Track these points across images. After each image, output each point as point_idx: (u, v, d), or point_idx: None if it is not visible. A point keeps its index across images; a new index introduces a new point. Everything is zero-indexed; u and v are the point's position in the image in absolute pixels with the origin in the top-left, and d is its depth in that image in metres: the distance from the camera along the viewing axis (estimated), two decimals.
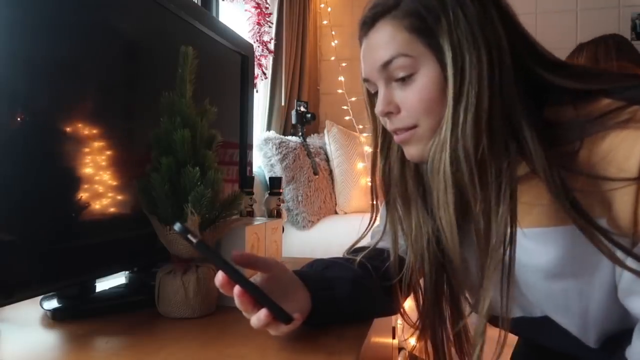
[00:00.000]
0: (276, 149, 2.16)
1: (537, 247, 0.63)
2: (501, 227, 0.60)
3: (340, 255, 0.79)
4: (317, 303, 0.66)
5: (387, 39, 0.64)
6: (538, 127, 0.60)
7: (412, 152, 0.68)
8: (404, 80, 0.64)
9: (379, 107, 0.67)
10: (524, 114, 0.60)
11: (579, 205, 0.57)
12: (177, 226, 0.55)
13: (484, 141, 0.59)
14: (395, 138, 0.69)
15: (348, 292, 0.69)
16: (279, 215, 1.24)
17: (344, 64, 3.18)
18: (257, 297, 0.58)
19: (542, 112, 0.63)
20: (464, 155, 0.60)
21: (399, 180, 0.74)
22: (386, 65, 0.64)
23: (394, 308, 0.79)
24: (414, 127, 0.65)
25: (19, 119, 0.64)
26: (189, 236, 0.56)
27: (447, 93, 0.61)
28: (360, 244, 0.81)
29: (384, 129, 0.72)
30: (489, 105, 0.59)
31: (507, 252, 0.61)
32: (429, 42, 0.61)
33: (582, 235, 0.57)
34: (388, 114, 0.67)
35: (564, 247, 0.61)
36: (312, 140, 2.61)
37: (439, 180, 0.63)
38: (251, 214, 1.15)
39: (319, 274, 0.72)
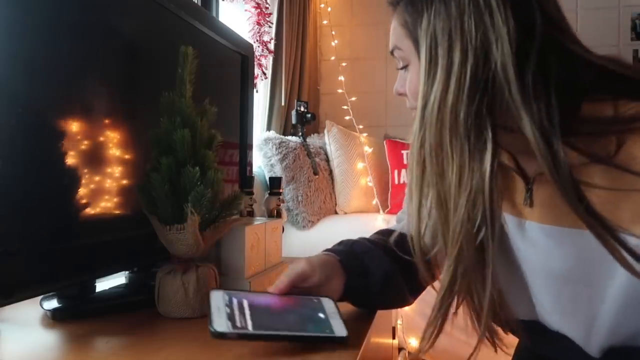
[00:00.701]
0: (276, 149, 2.16)
1: (554, 246, 0.63)
2: (459, 220, 0.60)
3: None
4: (348, 290, 0.75)
5: (392, 30, 0.68)
6: (546, 124, 0.56)
7: None
8: (404, 68, 0.68)
9: (394, 88, 0.72)
10: (527, 107, 0.56)
11: (592, 210, 0.55)
12: (213, 334, 0.60)
13: (446, 133, 0.59)
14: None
15: (379, 287, 0.76)
16: (279, 215, 1.24)
17: (344, 64, 3.18)
18: (308, 339, 0.64)
19: (578, 107, 0.59)
20: (428, 144, 0.61)
21: None
22: (392, 53, 0.69)
23: (410, 303, 0.84)
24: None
25: (18, 118, 0.64)
26: (228, 335, 0.61)
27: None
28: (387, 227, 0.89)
29: None
30: (455, 98, 0.58)
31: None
32: (413, 39, 0.64)
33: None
34: (401, 95, 0.71)
35: (580, 251, 0.60)
36: (312, 140, 2.61)
37: (411, 172, 0.65)
38: (251, 214, 1.15)
39: (358, 259, 0.77)
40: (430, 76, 0.60)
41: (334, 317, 0.68)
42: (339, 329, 0.65)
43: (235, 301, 0.66)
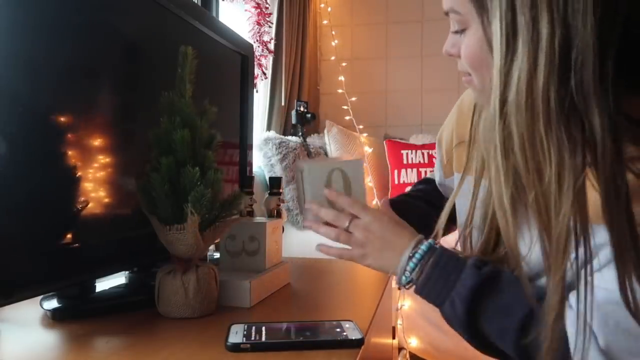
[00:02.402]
0: (276, 149, 2.17)
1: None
2: (564, 228, 0.51)
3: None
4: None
5: None
6: (613, 117, 0.50)
7: (475, 97, 0.69)
8: (460, 31, 0.61)
9: (444, 47, 0.65)
10: (600, 94, 0.49)
11: (633, 220, 0.50)
12: (227, 347, 0.63)
13: (540, 122, 0.51)
14: (463, 78, 0.66)
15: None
16: (279, 215, 1.24)
17: (344, 64, 3.18)
18: (313, 345, 0.64)
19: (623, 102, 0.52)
20: (517, 137, 0.52)
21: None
22: (446, 14, 0.62)
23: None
24: (470, 75, 0.63)
25: (18, 118, 0.64)
26: (242, 346, 0.62)
27: (489, 61, 0.54)
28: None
29: None
30: (545, 81, 0.50)
31: (578, 263, 0.51)
32: (476, 1, 0.56)
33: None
34: (451, 55, 0.64)
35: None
36: (312, 140, 2.61)
37: (492, 160, 0.57)
38: (251, 214, 1.15)
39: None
40: (510, 51, 0.52)
41: (350, 329, 0.68)
42: (354, 334, 0.66)
43: (253, 327, 0.69)
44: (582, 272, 0.52)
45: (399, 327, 1.93)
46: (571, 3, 0.49)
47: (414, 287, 0.67)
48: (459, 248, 0.72)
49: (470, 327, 0.62)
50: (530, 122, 0.51)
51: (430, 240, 0.67)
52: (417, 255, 0.65)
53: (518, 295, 0.59)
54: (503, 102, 0.53)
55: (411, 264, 0.66)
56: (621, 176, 0.50)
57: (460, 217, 0.74)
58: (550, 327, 0.53)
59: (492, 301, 0.61)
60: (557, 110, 0.50)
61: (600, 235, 0.53)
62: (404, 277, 0.66)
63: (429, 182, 0.96)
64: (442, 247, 0.67)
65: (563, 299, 0.53)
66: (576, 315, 0.52)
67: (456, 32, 0.62)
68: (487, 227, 0.65)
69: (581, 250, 0.51)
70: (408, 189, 0.98)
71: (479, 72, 0.60)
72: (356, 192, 0.71)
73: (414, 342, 1.95)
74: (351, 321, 0.71)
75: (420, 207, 0.89)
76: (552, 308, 0.53)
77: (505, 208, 0.57)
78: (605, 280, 0.53)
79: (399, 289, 0.67)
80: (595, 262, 0.54)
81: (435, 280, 0.64)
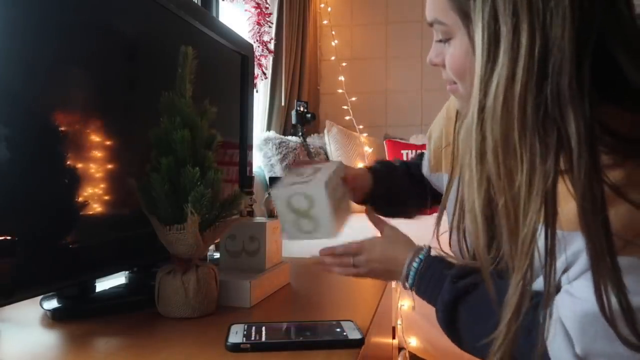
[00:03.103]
0: (276, 149, 2.17)
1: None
2: (529, 232, 0.52)
3: None
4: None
5: (431, 1, 0.62)
6: (589, 125, 0.50)
7: (459, 106, 0.70)
8: (444, 41, 0.62)
9: (428, 56, 0.67)
10: (576, 103, 0.50)
11: (609, 227, 0.50)
12: (227, 346, 0.63)
13: (515, 128, 0.52)
14: (447, 87, 0.68)
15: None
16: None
17: (344, 64, 3.18)
18: (313, 345, 0.64)
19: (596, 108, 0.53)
20: (492, 143, 0.53)
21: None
22: (430, 25, 0.63)
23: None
24: (455, 83, 0.64)
25: (18, 118, 0.64)
26: (242, 346, 0.63)
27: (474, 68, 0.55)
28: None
29: None
30: (523, 88, 0.51)
31: (547, 265, 0.53)
32: (460, 11, 0.57)
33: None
34: (435, 65, 0.66)
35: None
36: (312, 140, 2.61)
37: (466, 166, 0.58)
38: (251, 214, 1.15)
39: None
40: (490, 59, 0.53)
41: (350, 329, 0.69)
42: (354, 334, 0.67)
43: (253, 327, 0.69)
44: (548, 281, 0.53)
45: (399, 327, 1.93)
46: (550, 14, 0.50)
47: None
48: (447, 249, 0.76)
49: (452, 335, 0.68)
50: (505, 128, 0.52)
51: (422, 254, 0.73)
52: (411, 273, 0.73)
53: (491, 308, 0.61)
54: (481, 108, 0.54)
55: (409, 281, 0.73)
56: (597, 183, 0.51)
57: (450, 218, 0.77)
58: (505, 326, 0.54)
59: (466, 313, 0.66)
60: (532, 117, 0.51)
61: (577, 243, 0.54)
62: (407, 285, 0.74)
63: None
64: (431, 260, 0.72)
65: (521, 299, 0.54)
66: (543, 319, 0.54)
67: (440, 41, 0.63)
68: None
69: (549, 258, 0.52)
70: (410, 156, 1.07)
71: (464, 80, 0.61)
72: (318, 213, 0.75)
73: (413, 342, 1.95)
74: (351, 321, 0.71)
75: (399, 178, 0.99)
76: (510, 307, 0.54)
77: (476, 213, 0.57)
78: (582, 290, 0.54)
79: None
80: (574, 270, 0.55)
81: (424, 291, 0.72)
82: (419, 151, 1.08)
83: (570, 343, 0.54)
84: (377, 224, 0.83)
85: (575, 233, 0.54)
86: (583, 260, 0.54)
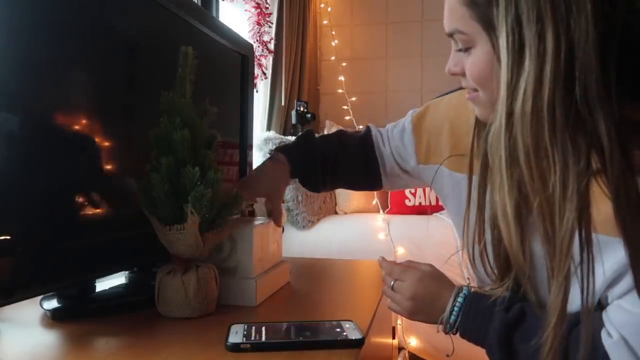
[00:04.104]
0: None
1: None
2: (567, 232, 0.53)
3: (337, 258, 0.82)
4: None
5: (449, 11, 0.62)
6: (619, 124, 0.51)
7: (478, 112, 0.67)
8: (464, 50, 0.62)
9: (447, 66, 0.66)
10: (604, 102, 0.51)
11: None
12: (227, 346, 0.63)
13: (545, 131, 0.52)
14: (466, 95, 0.67)
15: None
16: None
17: (344, 64, 3.18)
18: (313, 345, 0.64)
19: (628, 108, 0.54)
20: (523, 146, 0.54)
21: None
22: (450, 35, 0.63)
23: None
24: (476, 90, 0.64)
25: (18, 118, 0.64)
26: (242, 346, 0.63)
27: (500, 75, 0.56)
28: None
29: None
30: (551, 92, 0.52)
31: (583, 264, 0.53)
32: (483, 19, 0.58)
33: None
34: (454, 74, 0.66)
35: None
36: None
37: (497, 170, 0.59)
38: (252, 213, 1.15)
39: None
40: (516, 64, 0.53)
41: (350, 329, 0.69)
42: (354, 334, 0.67)
43: (253, 327, 0.69)
44: (586, 281, 0.53)
45: (399, 327, 1.93)
46: (573, 19, 0.51)
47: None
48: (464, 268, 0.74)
49: None
50: (536, 132, 0.53)
51: (464, 290, 0.70)
52: (455, 309, 0.69)
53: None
54: (509, 114, 0.55)
55: (452, 317, 0.69)
56: (632, 182, 0.51)
57: (470, 230, 0.74)
58: (552, 329, 0.54)
59: (522, 340, 0.63)
60: (562, 120, 0.52)
61: (618, 252, 0.54)
62: (448, 327, 0.70)
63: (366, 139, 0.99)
64: (473, 295, 0.70)
65: (565, 301, 0.54)
66: (620, 344, 0.54)
67: (460, 50, 0.63)
68: (501, 245, 0.66)
69: (585, 257, 0.53)
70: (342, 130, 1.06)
71: (488, 88, 0.61)
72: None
73: (413, 342, 1.95)
74: (351, 321, 0.71)
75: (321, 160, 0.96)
76: (554, 309, 0.54)
77: (509, 218, 0.58)
78: (637, 303, 0.54)
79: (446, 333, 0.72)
80: (623, 284, 0.55)
81: (471, 329, 0.68)
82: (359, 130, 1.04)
83: (635, 357, 0.54)
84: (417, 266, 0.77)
85: (612, 239, 0.54)
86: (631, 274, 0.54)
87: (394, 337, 1.25)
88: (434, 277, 0.74)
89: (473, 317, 0.68)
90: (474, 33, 0.59)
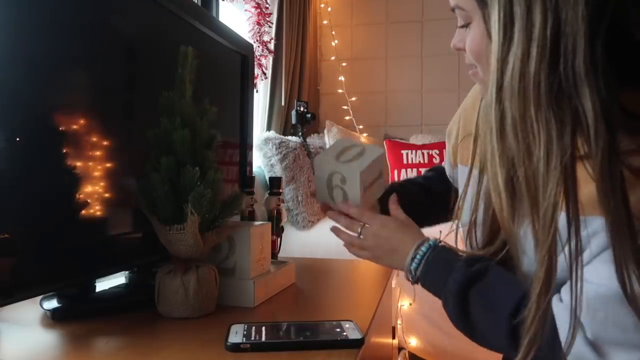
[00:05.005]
0: (276, 149, 2.16)
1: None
2: (550, 205, 0.54)
3: (337, 258, 0.82)
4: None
5: None
6: (606, 104, 0.52)
7: (479, 89, 0.70)
8: (465, 26, 0.65)
9: (452, 41, 0.69)
10: (591, 80, 0.52)
11: (629, 208, 0.51)
12: (227, 346, 0.63)
13: (531, 105, 0.54)
14: (469, 71, 0.69)
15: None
16: (279, 215, 1.24)
17: (344, 64, 3.18)
18: (313, 345, 0.64)
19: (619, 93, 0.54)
20: (510, 119, 0.56)
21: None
22: (453, 10, 0.65)
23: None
24: (476, 67, 0.66)
25: (18, 118, 0.64)
26: (242, 346, 0.63)
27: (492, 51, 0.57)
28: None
29: None
30: (537, 67, 0.53)
31: (571, 241, 0.54)
32: None
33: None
34: (458, 49, 0.68)
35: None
36: (312, 140, 2.61)
37: (488, 142, 0.60)
38: (252, 213, 1.15)
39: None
40: (507, 39, 0.55)
41: (350, 329, 0.69)
42: (354, 334, 0.67)
43: (253, 327, 0.69)
44: (574, 265, 0.54)
45: (399, 327, 1.93)
46: None
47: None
48: (460, 244, 0.74)
49: (464, 321, 0.66)
50: (522, 106, 0.55)
51: (431, 241, 0.73)
52: (417, 257, 0.72)
53: (509, 288, 0.63)
54: (499, 87, 0.57)
55: (414, 264, 0.72)
56: (616, 164, 0.52)
57: (466, 212, 0.76)
58: (535, 300, 0.55)
59: (481, 296, 0.65)
60: (546, 95, 0.54)
61: (595, 225, 0.55)
62: (410, 276, 0.73)
63: (439, 170, 1.00)
64: (440, 247, 0.72)
65: (550, 272, 0.55)
66: (568, 309, 0.54)
67: (462, 26, 0.65)
68: (489, 218, 0.68)
69: (573, 241, 0.54)
70: (422, 171, 1.03)
71: (482, 63, 0.63)
72: (350, 192, 0.79)
73: (413, 342, 1.96)
74: (351, 321, 0.71)
75: (415, 194, 0.95)
76: (538, 280, 0.55)
77: (500, 188, 0.60)
78: (595, 273, 0.54)
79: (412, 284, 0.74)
80: (587, 254, 0.55)
81: (432, 277, 0.70)
82: (426, 169, 1.06)
83: (582, 328, 0.55)
84: (395, 212, 0.80)
85: (593, 217, 0.55)
86: (595, 243, 0.55)
87: (394, 337, 1.25)
88: (403, 225, 0.76)
89: (435, 266, 0.70)
90: (471, 9, 0.62)
